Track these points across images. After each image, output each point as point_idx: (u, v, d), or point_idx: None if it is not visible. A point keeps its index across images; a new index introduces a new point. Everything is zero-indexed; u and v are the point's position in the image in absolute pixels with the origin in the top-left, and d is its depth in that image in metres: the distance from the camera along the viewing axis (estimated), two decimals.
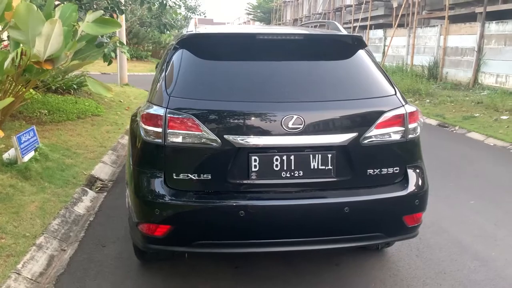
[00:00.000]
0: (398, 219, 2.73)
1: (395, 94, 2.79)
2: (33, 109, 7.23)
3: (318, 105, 2.59)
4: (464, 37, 14.56)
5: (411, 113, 2.73)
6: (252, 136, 2.51)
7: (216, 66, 2.78)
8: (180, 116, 2.49)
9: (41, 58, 5.12)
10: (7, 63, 4.86)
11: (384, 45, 20.56)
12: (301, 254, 3.37)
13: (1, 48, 6.27)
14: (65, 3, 6.46)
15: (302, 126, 2.51)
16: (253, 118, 2.53)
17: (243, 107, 2.55)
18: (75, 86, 9.12)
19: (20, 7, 4.89)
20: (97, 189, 4.93)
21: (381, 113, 2.65)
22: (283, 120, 2.50)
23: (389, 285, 3.11)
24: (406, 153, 2.79)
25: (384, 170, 2.69)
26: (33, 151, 4.91)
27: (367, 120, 2.64)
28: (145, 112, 2.60)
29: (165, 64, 2.87)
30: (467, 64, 14.36)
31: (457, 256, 3.55)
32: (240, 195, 2.56)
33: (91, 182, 5.02)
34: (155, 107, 2.58)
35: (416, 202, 2.74)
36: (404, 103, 2.75)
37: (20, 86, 6.11)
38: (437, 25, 16.68)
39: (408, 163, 2.79)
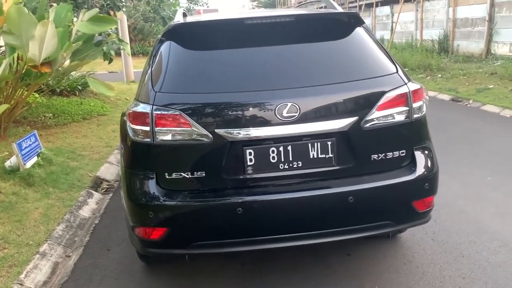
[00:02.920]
0: (407, 205, 2.56)
1: (397, 72, 2.61)
2: (37, 113, 7.19)
3: (314, 90, 2.42)
4: (473, 7, 14.08)
5: (415, 91, 2.55)
6: (245, 128, 2.36)
7: (204, 57, 2.64)
8: (168, 113, 2.36)
9: (37, 61, 5.04)
10: (2, 68, 4.79)
11: (392, 22, 20.07)
12: (309, 246, 3.24)
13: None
14: (60, 3, 6.36)
15: (297, 113, 2.35)
16: (244, 109, 2.39)
17: (233, 98, 2.40)
18: (79, 87, 9.08)
19: (11, 11, 4.80)
20: (103, 190, 4.86)
21: (382, 93, 2.48)
22: (276, 108, 2.35)
23: (404, 273, 2.96)
24: (412, 134, 2.62)
25: (389, 154, 2.52)
26: (35, 157, 4.85)
27: (367, 102, 2.47)
28: (131, 111, 2.47)
29: (152, 58, 2.74)
30: (478, 34, 13.91)
31: (475, 237, 3.38)
32: (236, 191, 2.43)
33: (97, 183, 4.95)
34: (141, 104, 2.46)
35: (426, 185, 2.57)
36: (406, 81, 2.57)
37: (20, 91, 6.06)
38: None
39: (415, 145, 2.61)
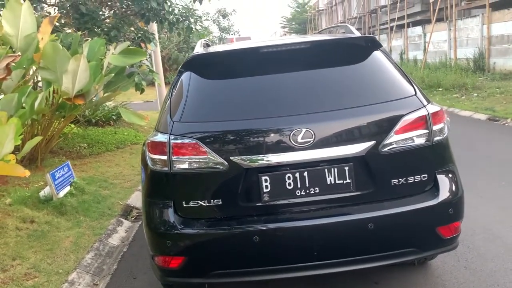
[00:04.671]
0: (431, 231, 2.47)
1: (415, 94, 2.56)
2: (73, 144, 7.46)
3: (328, 115, 2.41)
4: (509, 24, 13.73)
5: (435, 113, 2.49)
6: (260, 155, 2.36)
7: (220, 85, 2.68)
8: (184, 141, 2.40)
9: (70, 94, 5.27)
10: (38, 102, 5.02)
11: (424, 42, 19.82)
12: (334, 273, 3.15)
13: (35, 89, 6.51)
14: (93, 38, 6.66)
15: (312, 139, 2.34)
16: (260, 136, 2.40)
17: (248, 125, 2.41)
18: (114, 117, 9.38)
19: (47, 48, 5.07)
20: (132, 218, 4.94)
21: (400, 117, 2.43)
22: (291, 135, 2.34)
23: None
24: (434, 157, 2.54)
25: (410, 179, 2.45)
26: (68, 186, 5.01)
27: (384, 126, 2.42)
28: (149, 141, 2.53)
29: (172, 89, 2.81)
30: None
31: (511, 265, 3.20)
32: (253, 218, 2.41)
33: (127, 211, 5.04)
34: (159, 134, 2.51)
35: (450, 210, 2.47)
36: (425, 103, 2.51)
37: (56, 123, 6.33)
38: (479, 15, 15.86)
39: (438, 169, 2.53)
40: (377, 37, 20.85)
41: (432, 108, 2.51)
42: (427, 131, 2.47)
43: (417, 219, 2.44)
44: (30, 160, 6.01)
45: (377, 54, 2.75)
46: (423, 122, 2.46)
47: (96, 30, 7.28)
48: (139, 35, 7.85)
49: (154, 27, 10.82)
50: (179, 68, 2.97)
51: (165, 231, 2.45)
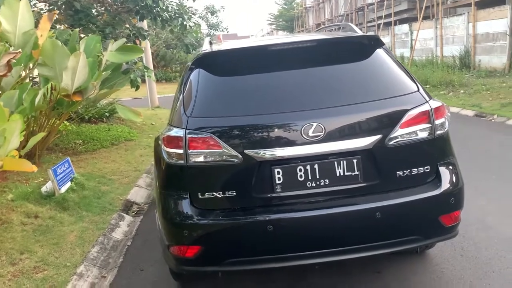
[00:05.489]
0: (434, 220, 2.61)
1: (418, 90, 2.69)
2: (68, 141, 7.47)
3: (338, 110, 2.53)
4: (494, 22, 14.06)
5: (437, 109, 2.62)
6: (273, 149, 2.47)
7: (232, 82, 2.78)
8: (200, 136, 2.50)
9: (69, 91, 5.30)
10: (38, 99, 5.04)
11: (411, 40, 20.13)
12: (339, 263, 3.28)
13: (32, 86, 6.51)
14: (89, 35, 6.68)
15: (322, 133, 2.45)
16: (272, 130, 2.50)
17: (261, 120, 2.52)
18: (107, 114, 9.39)
19: (46, 44, 5.08)
20: (133, 213, 5.01)
21: (405, 111, 2.56)
22: (302, 129, 2.45)
23: None
24: (436, 150, 2.68)
25: (414, 170, 2.59)
26: (69, 182, 5.05)
27: (390, 120, 2.55)
28: (165, 135, 2.62)
29: (183, 85, 2.89)
30: (500, 49, 13.83)
31: (505, 252, 3.37)
32: (266, 209, 2.52)
33: (127, 206, 5.10)
34: (175, 129, 2.60)
35: (452, 200, 2.62)
36: (428, 99, 2.65)
37: (53, 120, 6.34)
38: (464, 13, 16.18)
39: (439, 161, 2.67)
40: None
41: (434, 103, 2.65)
42: (430, 125, 2.60)
43: (421, 208, 2.58)
44: (28, 156, 6.00)
45: (381, 52, 2.87)
46: (426, 116, 2.59)
47: (90, 27, 7.28)
48: (134, 32, 7.87)
49: (144, 23, 10.84)
50: (188, 65, 3.05)
51: (182, 221, 2.54)
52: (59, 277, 3.39)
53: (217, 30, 26.44)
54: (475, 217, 3.95)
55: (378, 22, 24.61)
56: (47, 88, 5.86)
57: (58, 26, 7.91)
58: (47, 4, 8.41)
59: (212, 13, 25.20)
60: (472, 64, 15.10)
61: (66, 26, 7.85)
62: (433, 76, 13.34)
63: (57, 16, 8.09)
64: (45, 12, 7.72)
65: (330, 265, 3.28)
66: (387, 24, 23.36)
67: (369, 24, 28.11)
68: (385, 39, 23.84)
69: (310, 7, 43.38)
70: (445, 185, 2.61)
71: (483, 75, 13.47)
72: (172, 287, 3.30)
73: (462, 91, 11.63)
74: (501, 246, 3.46)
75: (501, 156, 5.95)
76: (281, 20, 54.27)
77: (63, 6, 7.82)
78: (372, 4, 26.50)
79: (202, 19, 24.95)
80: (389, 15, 23.00)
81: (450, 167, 2.70)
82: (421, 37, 18.93)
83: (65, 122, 7.55)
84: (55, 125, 6.40)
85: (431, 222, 2.62)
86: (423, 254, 3.42)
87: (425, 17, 18.86)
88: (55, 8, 7.90)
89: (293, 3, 51.77)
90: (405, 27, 21.33)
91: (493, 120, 8.46)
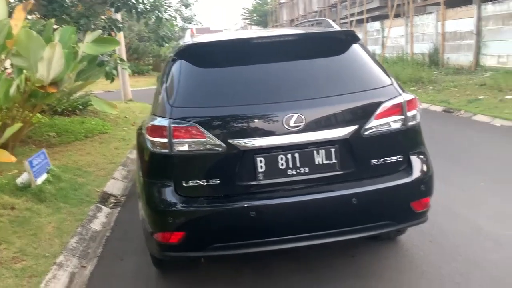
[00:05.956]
0: (406, 206, 2.77)
1: (392, 84, 2.84)
2: (41, 133, 7.36)
3: (317, 101, 2.64)
4: (461, 21, 14.52)
5: (409, 101, 2.78)
6: (255, 138, 2.57)
7: (215, 73, 2.85)
8: (184, 125, 2.56)
9: (45, 82, 5.24)
10: (12, 90, 4.97)
11: (383, 37, 20.55)
12: (316, 249, 3.41)
13: (6, 76, 6.39)
14: (63, 26, 6.59)
15: (303, 123, 2.56)
16: (255, 120, 2.60)
17: (244, 110, 2.61)
18: (80, 106, 9.27)
19: (20, 34, 5.01)
20: (111, 205, 5.01)
21: (379, 103, 2.70)
22: (284, 119, 2.56)
23: (404, 273, 3.15)
24: (408, 140, 2.84)
25: (388, 159, 2.74)
26: (45, 174, 5.01)
27: (366, 112, 2.69)
28: (149, 124, 2.67)
29: (165, 76, 2.94)
30: (467, 47, 14.31)
31: (471, 238, 3.57)
32: (249, 196, 2.62)
33: (105, 198, 5.10)
34: (159, 118, 2.66)
35: (422, 187, 2.78)
36: (401, 92, 2.80)
37: (27, 112, 6.24)
38: (434, 12, 16.66)
39: (411, 150, 2.83)
40: None
41: (407, 96, 2.80)
42: (403, 116, 2.75)
43: (394, 195, 2.73)
44: (2, 148, 5.91)
45: (357, 46, 3.00)
46: (399, 108, 2.74)
47: (64, 17, 7.18)
48: (109, 23, 7.80)
49: (118, 16, 10.72)
50: (170, 56, 3.11)
51: (166, 208, 2.61)
52: (38, 267, 3.39)
53: (191, 23, 26.21)
54: (443, 205, 4.15)
55: (351, 19, 25.00)
56: (21, 79, 5.77)
57: (30, 17, 7.76)
58: None
59: (186, 6, 24.97)
60: (441, 62, 15.56)
61: (39, 16, 7.71)
62: (403, 73, 13.69)
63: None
64: (17, 2, 7.55)
65: (307, 251, 3.41)
66: (360, 22, 23.74)
67: (342, 21, 28.47)
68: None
69: (284, 2, 43.56)
70: (416, 173, 2.77)
71: (451, 72, 13.92)
72: (153, 276, 3.35)
73: (431, 87, 12.01)
74: (467, 232, 3.67)
75: (467, 150, 6.24)
76: (255, 15, 54.30)
77: None
78: (345, 1, 26.86)
79: (176, 12, 24.71)
80: (361, 13, 23.38)
81: (421, 156, 2.86)
82: (392, 34, 19.37)
83: (38, 114, 7.43)
84: (28, 117, 6.30)
85: (403, 208, 2.78)
86: (395, 241, 3.59)
87: (396, 15, 19.29)
88: None
89: None
90: (376, 24, 21.74)
91: (460, 116, 8.81)
